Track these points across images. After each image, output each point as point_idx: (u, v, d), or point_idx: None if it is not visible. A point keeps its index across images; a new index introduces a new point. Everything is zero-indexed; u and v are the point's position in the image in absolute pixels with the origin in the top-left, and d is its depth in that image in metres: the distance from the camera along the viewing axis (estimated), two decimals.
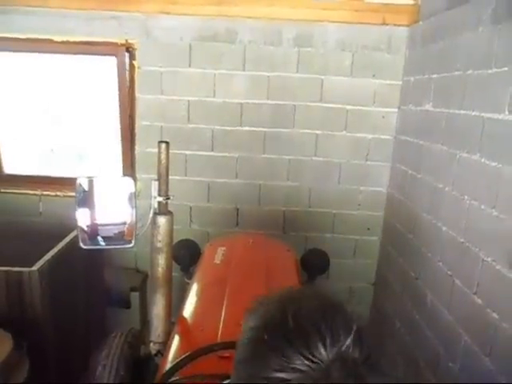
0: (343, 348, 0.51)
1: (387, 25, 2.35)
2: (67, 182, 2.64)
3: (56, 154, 2.74)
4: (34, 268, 1.79)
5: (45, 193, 2.63)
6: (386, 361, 2.38)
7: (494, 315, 1.39)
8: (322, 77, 2.47)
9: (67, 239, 2.08)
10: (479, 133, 1.56)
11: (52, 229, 2.24)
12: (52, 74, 2.58)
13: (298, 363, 0.50)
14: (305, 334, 0.52)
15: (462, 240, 1.64)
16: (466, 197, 1.63)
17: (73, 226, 1.29)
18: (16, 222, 2.48)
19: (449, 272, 1.74)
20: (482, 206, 1.51)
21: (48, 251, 1.94)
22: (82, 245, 1.26)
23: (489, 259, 1.45)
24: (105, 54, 2.49)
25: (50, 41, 2.41)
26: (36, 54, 2.53)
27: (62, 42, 2.42)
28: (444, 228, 1.80)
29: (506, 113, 1.39)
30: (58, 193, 2.60)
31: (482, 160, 1.52)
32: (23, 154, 2.75)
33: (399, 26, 2.36)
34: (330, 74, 2.46)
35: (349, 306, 0.61)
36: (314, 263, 2.18)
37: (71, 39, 2.42)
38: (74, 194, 1.28)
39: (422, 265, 2.02)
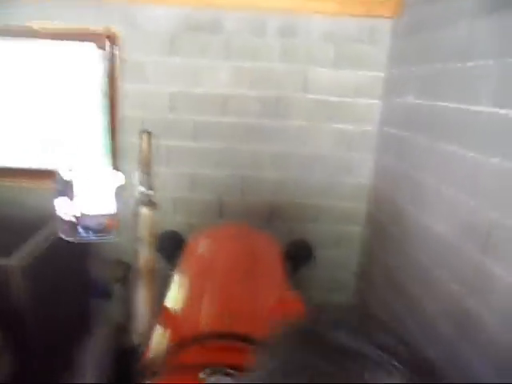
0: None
1: (371, 16, 2.36)
2: (47, 174, 2.59)
3: (36, 144, 2.69)
4: (13, 259, 1.77)
5: (25, 184, 2.59)
6: None
7: (472, 303, 1.43)
8: (306, 68, 2.47)
9: (47, 230, 2.05)
10: (459, 124, 1.59)
11: (33, 220, 2.20)
12: (32, 64, 2.52)
13: None
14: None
15: (441, 230, 1.68)
16: (445, 187, 1.66)
17: (53, 216, 1.27)
18: None
19: (429, 261, 1.77)
20: (461, 197, 1.54)
21: (27, 242, 1.92)
22: (62, 236, 1.24)
23: (467, 248, 1.48)
24: (87, 42, 2.44)
25: (31, 29, 2.35)
26: (14, 42, 2.46)
27: (43, 30, 2.36)
28: (425, 218, 1.84)
29: (485, 105, 1.42)
30: (39, 184, 2.55)
31: (462, 151, 1.55)
32: (3, 145, 2.68)
33: (383, 17, 2.37)
34: (314, 65, 2.46)
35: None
36: (298, 254, 2.20)
37: (53, 27, 2.36)
38: (53, 184, 1.26)
39: (403, 255, 2.06)
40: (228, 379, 0.98)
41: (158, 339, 1.25)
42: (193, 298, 1.51)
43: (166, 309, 1.43)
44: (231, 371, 0.99)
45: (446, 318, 1.61)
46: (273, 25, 2.41)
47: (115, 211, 1.29)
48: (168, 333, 1.30)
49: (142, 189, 1.37)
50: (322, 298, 2.70)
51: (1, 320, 1.72)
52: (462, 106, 1.57)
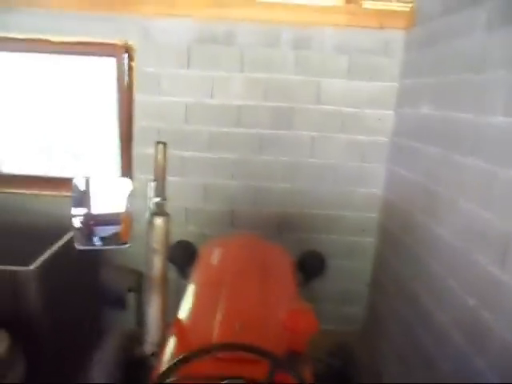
0: None
1: (384, 29, 2.37)
2: (64, 182, 2.64)
3: (53, 153, 2.74)
4: (31, 267, 1.80)
5: (42, 192, 2.64)
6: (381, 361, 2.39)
7: (487, 316, 1.40)
8: (319, 79, 2.48)
9: (63, 239, 2.09)
10: (473, 136, 1.58)
11: (49, 229, 2.24)
12: (50, 75, 2.59)
13: None
14: None
15: (456, 242, 1.66)
16: (460, 199, 1.65)
17: (70, 225, 1.30)
18: (13, 222, 2.48)
19: (443, 273, 1.75)
20: (476, 208, 1.52)
21: (44, 251, 1.95)
22: (77, 245, 1.26)
23: (482, 261, 1.46)
24: (104, 55, 2.50)
25: (49, 41, 2.42)
26: (34, 55, 2.53)
27: (61, 43, 2.42)
28: (438, 230, 1.82)
29: (500, 116, 1.41)
30: (55, 192, 2.60)
31: (476, 163, 1.54)
32: (20, 154, 2.75)
33: (396, 29, 2.38)
34: (327, 76, 2.48)
35: None
36: (310, 265, 2.19)
37: (70, 40, 2.42)
38: (70, 193, 1.29)
39: (416, 266, 2.04)
40: None
41: (171, 350, 1.26)
42: (204, 308, 1.51)
43: (179, 320, 1.43)
44: (245, 383, 0.99)
45: (459, 330, 1.58)
46: (286, 37, 2.43)
47: (129, 221, 1.32)
48: (180, 343, 1.30)
49: (156, 199, 1.38)
50: (334, 309, 2.68)
51: (16, 325, 1.75)
52: (476, 117, 1.56)
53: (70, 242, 1.64)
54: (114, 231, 1.31)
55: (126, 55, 2.45)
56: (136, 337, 1.56)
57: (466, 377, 1.48)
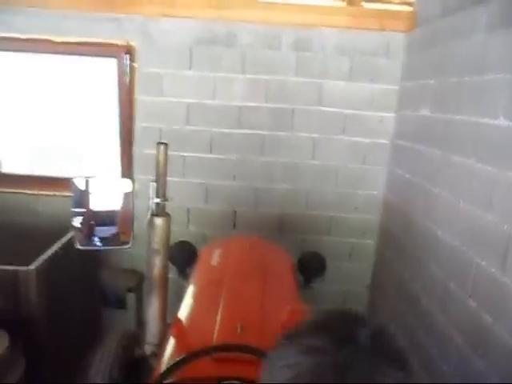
0: None
1: (385, 30, 2.37)
2: (65, 183, 2.64)
3: (54, 154, 2.75)
4: (31, 267, 1.80)
5: (42, 192, 2.64)
6: None
7: (488, 318, 1.40)
8: (321, 81, 2.48)
9: (64, 239, 2.09)
10: (474, 138, 1.58)
11: (50, 229, 2.24)
12: (51, 75, 2.59)
13: None
14: None
15: (456, 244, 1.66)
16: (461, 201, 1.65)
17: (71, 226, 1.30)
18: (13, 222, 2.48)
19: (443, 275, 1.75)
20: (477, 211, 1.52)
21: (45, 251, 1.95)
22: (77, 245, 1.26)
23: (483, 263, 1.46)
24: (105, 56, 2.50)
25: (50, 41, 2.42)
26: (35, 55, 2.54)
27: (62, 43, 2.43)
28: (439, 232, 1.82)
29: (501, 118, 1.41)
30: (56, 193, 2.60)
31: (477, 165, 1.53)
32: (21, 154, 2.75)
33: (397, 31, 2.38)
34: (328, 78, 2.48)
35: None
36: (310, 266, 2.19)
37: (71, 40, 2.43)
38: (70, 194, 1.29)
39: (416, 268, 2.03)
40: None
41: (171, 351, 1.26)
42: (204, 309, 1.51)
43: (178, 320, 1.43)
44: None
45: (459, 332, 1.58)
46: (287, 38, 2.43)
47: (129, 220, 1.32)
48: (180, 344, 1.30)
49: (157, 199, 1.39)
50: None
51: (16, 325, 1.75)
52: (478, 120, 1.56)
53: (71, 242, 1.64)
54: (115, 231, 1.31)
55: (127, 56, 2.45)
56: (136, 337, 1.56)
57: (467, 378, 1.48)
